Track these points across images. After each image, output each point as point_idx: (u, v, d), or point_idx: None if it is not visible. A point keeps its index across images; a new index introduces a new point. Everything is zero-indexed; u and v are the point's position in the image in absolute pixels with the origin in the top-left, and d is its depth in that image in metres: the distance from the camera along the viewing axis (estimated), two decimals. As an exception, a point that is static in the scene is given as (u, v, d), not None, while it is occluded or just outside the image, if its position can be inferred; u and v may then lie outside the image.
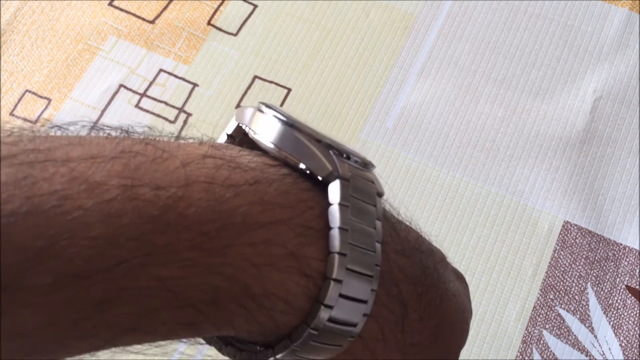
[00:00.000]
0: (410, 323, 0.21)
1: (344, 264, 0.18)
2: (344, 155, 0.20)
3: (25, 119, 0.55)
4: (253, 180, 0.18)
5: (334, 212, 0.18)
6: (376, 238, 0.19)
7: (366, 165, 0.21)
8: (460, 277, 0.26)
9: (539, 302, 0.48)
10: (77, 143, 0.16)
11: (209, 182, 0.17)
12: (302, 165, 0.19)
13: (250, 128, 0.20)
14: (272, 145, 0.19)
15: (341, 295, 0.18)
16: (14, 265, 0.14)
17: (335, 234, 0.18)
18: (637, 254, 0.49)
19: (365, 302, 0.19)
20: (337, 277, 0.18)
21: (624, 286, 0.48)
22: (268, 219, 0.18)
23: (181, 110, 0.55)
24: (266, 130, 0.20)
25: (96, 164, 0.16)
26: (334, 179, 0.19)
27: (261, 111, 0.20)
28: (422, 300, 0.22)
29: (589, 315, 0.48)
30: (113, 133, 0.18)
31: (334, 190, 0.19)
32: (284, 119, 0.20)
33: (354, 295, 0.19)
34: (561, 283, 0.49)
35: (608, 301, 0.48)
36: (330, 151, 0.19)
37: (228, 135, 0.22)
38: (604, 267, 0.49)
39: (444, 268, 0.24)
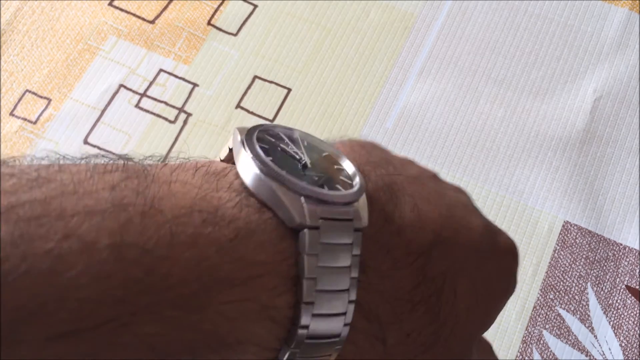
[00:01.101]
0: (394, 337, 0.22)
1: (310, 312, 0.19)
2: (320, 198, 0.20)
3: (25, 119, 0.55)
4: (235, 234, 0.18)
5: (302, 262, 0.19)
6: (351, 275, 0.20)
7: (347, 202, 0.21)
8: (500, 251, 0.25)
9: (539, 302, 0.48)
10: (72, 191, 0.17)
11: (193, 241, 0.18)
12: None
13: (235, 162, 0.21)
14: (250, 189, 0.20)
15: (309, 337, 0.19)
16: (6, 324, 0.14)
17: (302, 284, 0.19)
18: (637, 254, 0.49)
19: (338, 335, 0.20)
20: (304, 323, 0.19)
21: (624, 286, 0.48)
22: (247, 275, 0.18)
23: (181, 110, 0.55)
24: (245, 172, 0.20)
25: (89, 219, 0.16)
26: (302, 229, 0.19)
27: (244, 146, 0.21)
28: (407, 318, 0.22)
29: (589, 315, 0.48)
30: (112, 160, 0.19)
31: (302, 241, 0.19)
32: (259, 164, 0.20)
33: (323, 334, 0.20)
34: (561, 283, 0.49)
35: (608, 301, 0.48)
36: (302, 198, 0.20)
37: (230, 149, 0.23)
38: (604, 267, 0.49)
39: (470, 256, 0.23)
